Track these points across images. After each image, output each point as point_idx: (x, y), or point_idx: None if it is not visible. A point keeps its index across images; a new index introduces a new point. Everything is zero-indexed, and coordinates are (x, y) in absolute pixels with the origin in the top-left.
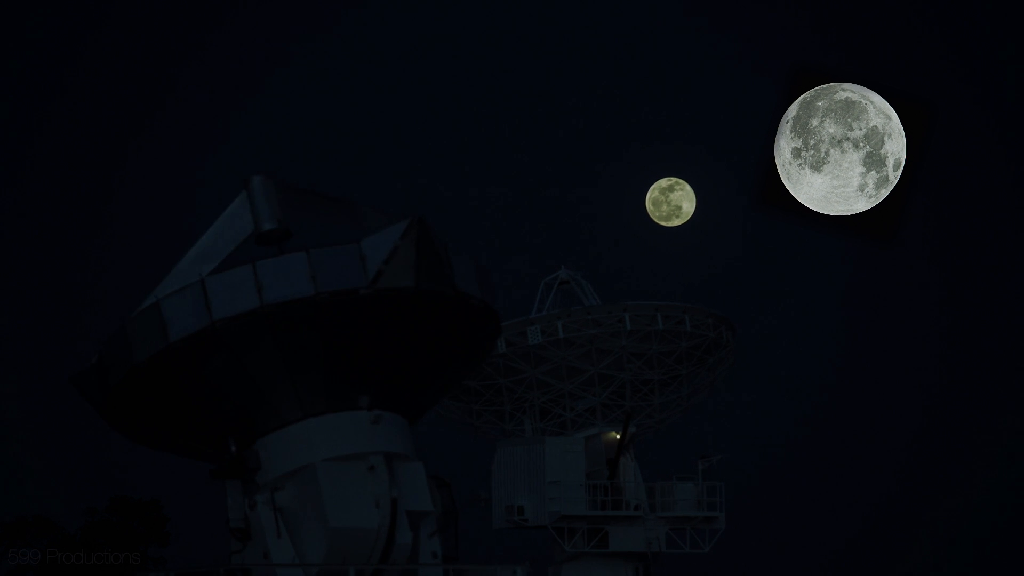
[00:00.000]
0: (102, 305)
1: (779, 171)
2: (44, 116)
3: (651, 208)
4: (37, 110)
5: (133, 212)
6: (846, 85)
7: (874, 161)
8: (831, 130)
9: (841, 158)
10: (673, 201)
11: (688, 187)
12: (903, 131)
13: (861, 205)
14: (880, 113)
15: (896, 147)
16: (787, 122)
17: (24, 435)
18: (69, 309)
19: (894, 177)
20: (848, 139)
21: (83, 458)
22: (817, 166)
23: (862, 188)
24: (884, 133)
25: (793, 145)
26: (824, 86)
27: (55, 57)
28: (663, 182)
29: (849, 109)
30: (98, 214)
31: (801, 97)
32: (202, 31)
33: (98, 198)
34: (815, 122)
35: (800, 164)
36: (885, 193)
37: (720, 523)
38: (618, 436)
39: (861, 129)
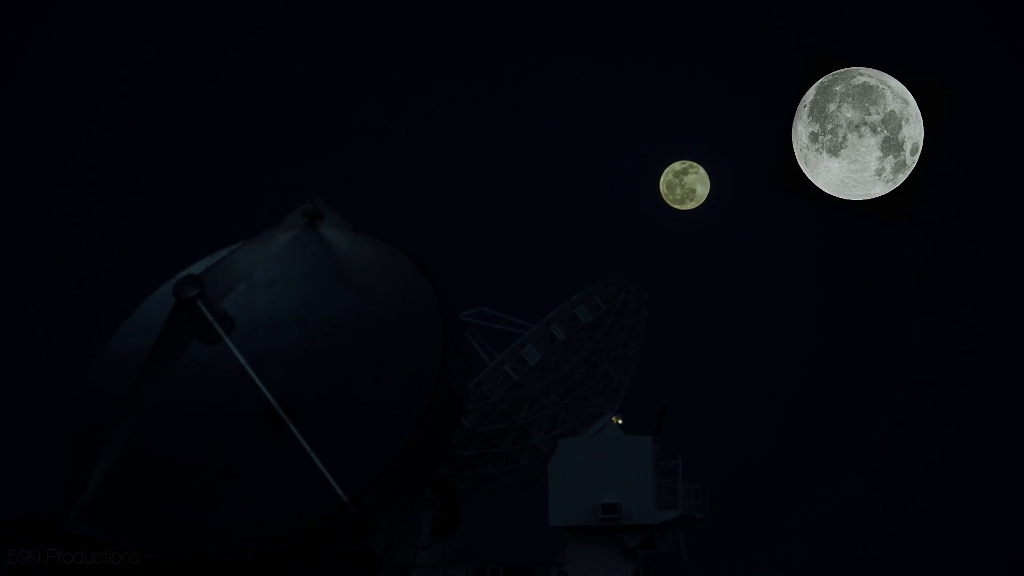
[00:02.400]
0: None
1: (796, 156)
2: None
3: (665, 191)
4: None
5: None
6: (863, 70)
7: (892, 146)
8: (849, 115)
9: (859, 143)
10: (687, 184)
11: (702, 170)
12: (921, 116)
13: (879, 190)
14: (898, 98)
15: (914, 132)
16: (804, 107)
17: (25, 435)
18: (66, 309)
19: (912, 162)
20: (866, 124)
21: None
22: (835, 151)
23: (880, 173)
24: (902, 118)
25: (811, 130)
26: (841, 71)
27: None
28: (677, 165)
29: (867, 94)
30: None
31: (819, 82)
32: None
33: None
34: (833, 107)
35: (818, 149)
36: (903, 178)
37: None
38: (620, 422)
39: (879, 114)
